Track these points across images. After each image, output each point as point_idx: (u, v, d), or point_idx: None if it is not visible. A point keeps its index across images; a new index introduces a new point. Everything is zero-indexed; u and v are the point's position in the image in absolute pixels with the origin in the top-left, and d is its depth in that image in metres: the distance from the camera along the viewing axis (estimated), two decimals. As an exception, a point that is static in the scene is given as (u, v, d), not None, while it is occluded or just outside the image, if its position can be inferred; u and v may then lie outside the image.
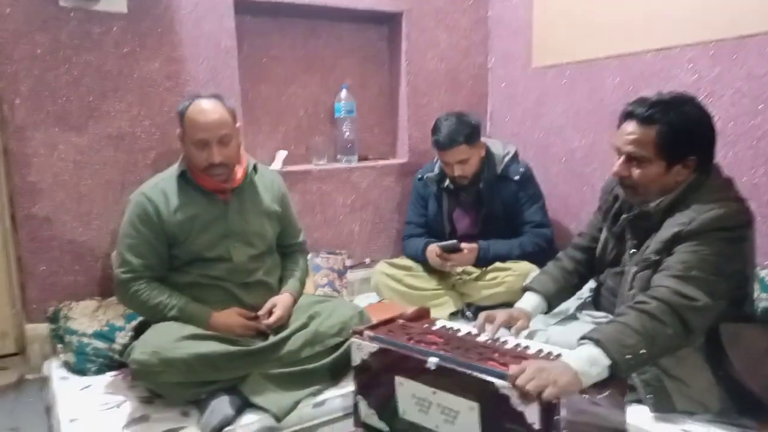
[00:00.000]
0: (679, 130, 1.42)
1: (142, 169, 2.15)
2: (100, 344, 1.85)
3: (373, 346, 1.47)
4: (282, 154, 2.58)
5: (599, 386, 1.25)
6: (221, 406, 1.51)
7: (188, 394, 1.57)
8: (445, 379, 1.33)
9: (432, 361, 1.34)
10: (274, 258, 1.94)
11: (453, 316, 2.24)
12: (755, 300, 1.63)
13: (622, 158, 1.50)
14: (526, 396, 1.16)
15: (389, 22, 2.82)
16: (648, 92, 2.14)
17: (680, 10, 2.12)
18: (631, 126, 1.48)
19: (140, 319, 1.80)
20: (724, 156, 2.02)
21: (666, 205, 1.46)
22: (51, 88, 2.01)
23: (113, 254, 2.13)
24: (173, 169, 1.80)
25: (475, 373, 1.27)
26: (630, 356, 1.22)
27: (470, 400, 1.29)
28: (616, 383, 1.31)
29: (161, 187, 1.76)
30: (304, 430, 1.62)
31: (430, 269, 2.37)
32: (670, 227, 1.42)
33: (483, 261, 2.27)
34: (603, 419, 1.35)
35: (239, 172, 1.81)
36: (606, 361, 1.21)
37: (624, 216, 1.57)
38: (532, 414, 1.17)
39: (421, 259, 2.37)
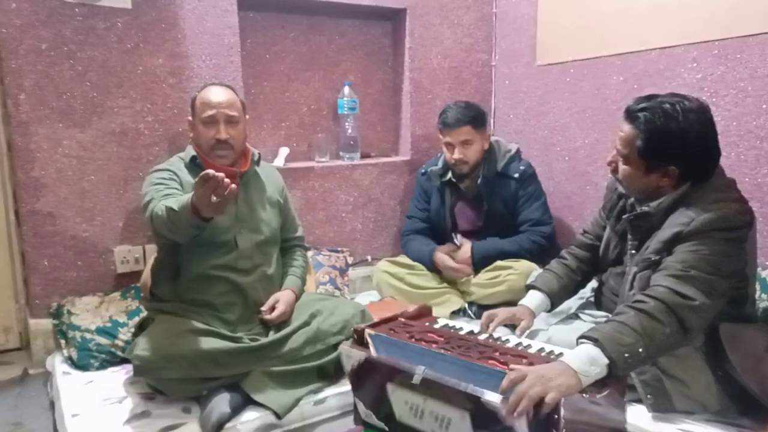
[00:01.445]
0: (656, 139, 1.42)
1: (145, 164, 2.15)
2: (102, 340, 1.86)
3: (361, 356, 1.46)
4: (284, 151, 2.58)
5: (599, 385, 1.25)
6: (221, 403, 1.51)
7: (189, 390, 1.58)
8: (435, 388, 1.32)
9: (417, 377, 1.33)
10: (278, 251, 1.95)
11: (455, 314, 2.24)
12: (756, 300, 1.63)
13: (614, 151, 1.54)
14: (514, 412, 1.14)
15: (393, 18, 2.82)
16: (654, 90, 2.15)
17: (684, 9, 2.11)
18: (623, 123, 1.50)
19: (143, 315, 1.81)
20: (727, 156, 2.01)
21: (667, 205, 1.46)
22: (55, 83, 2.02)
23: (116, 250, 2.15)
24: (182, 155, 1.84)
25: (461, 386, 1.25)
26: (628, 355, 1.22)
27: (461, 408, 1.28)
28: (616, 382, 1.31)
29: (174, 166, 1.80)
30: (305, 428, 1.63)
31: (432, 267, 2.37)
32: (670, 227, 1.42)
33: (477, 265, 2.28)
34: (602, 418, 1.34)
35: (246, 161, 1.85)
36: (604, 360, 1.21)
37: (625, 216, 1.57)
38: (522, 427, 1.16)
39: (427, 264, 2.36)
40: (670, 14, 2.16)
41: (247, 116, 1.89)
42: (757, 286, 1.81)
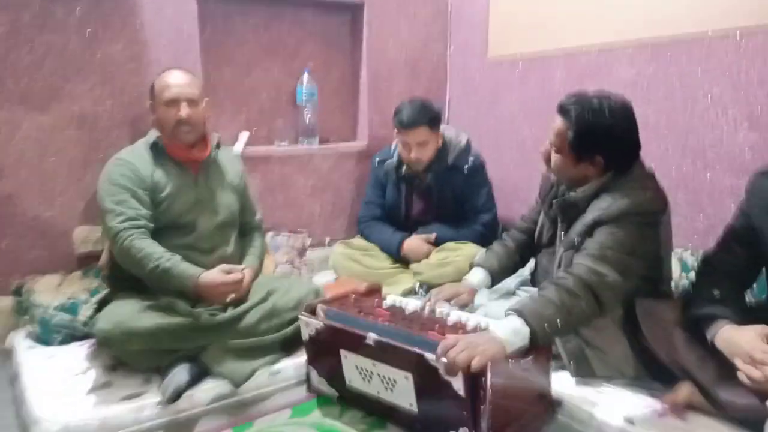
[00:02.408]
0: (584, 132, 1.57)
1: (104, 148, 2.19)
2: (64, 316, 1.91)
3: (319, 323, 1.59)
4: (244, 135, 2.64)
5: (524, 353, 1.41)
6: (180, 373, 1.60)
7: (151, 361, 1.66)
8: (384, 352, 1.45)
9: (371, 337, 1.46)
10: (236, 233, 2.03)
11: (407, 293, 2.37)
12: (673, 279, 1.81)
13: (548, 142, 1.68)
14: (452, 369, 1.29)
15: (352, 9, 2.90)
16: (591, 87, 2.31)
17: (622, 9, 2.26)
18: (557, 117, 1.64)
19: (104, 292, 1.87)
20: (657, 147, 2.20)
21: (591, 192, 1.61)
22: (14, 68, 2.04)
23: (75, 231, 2.20)
24: (144, 141, 1.90)
25: (408, 347, 1.39)
26: (547, 326, 1.37)
27: (405, 370, 1.42)
28: (540, 350, 1.47)
29: (136, 153, 1.86)
30: (261, 396, 1.72)
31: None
32: (592, 212, 1.57)
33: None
34: (529, 383, 1.50)
35: (206, 146, 1.92)
36: (527, 330, 1.36)
37: (555, 201, 1.72)
38: (458, 383, 1.31)
39: (393, 251, 2.45)
40: (610, 14, 2.31)
41: (206, 99, 1.95)
42: (677, 267, 2.01)
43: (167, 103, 1.83)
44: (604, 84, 2.32)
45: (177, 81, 1.85)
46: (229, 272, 1.80)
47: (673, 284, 1.89)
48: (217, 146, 1.98)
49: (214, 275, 1.77)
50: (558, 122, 1.63)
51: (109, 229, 1.74)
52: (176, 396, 1.57)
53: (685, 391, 1.45)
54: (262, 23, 2.72)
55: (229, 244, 1.95)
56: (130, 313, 1.62)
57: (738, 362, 1.29)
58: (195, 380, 1.64)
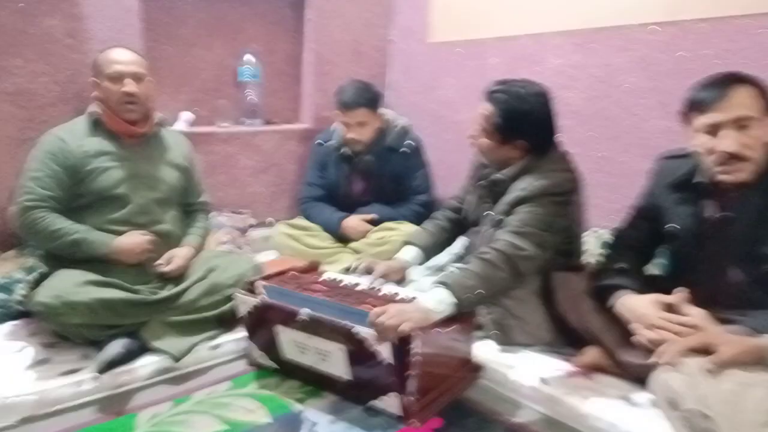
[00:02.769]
0: (509, 116, 1.69)
1: (39, 125, 2.16)
2: (0, 295, 1.91)
3: (254, 301, 1.65)
4: (185, 115, 2.65)
5: (448, 321, 1.52)
6: (115, 345, 1.65)
7: (91, 335, 1.68)
8: (317, 326, 1.53)
9: (304, 312, 1.54)
10: (176, 214, 2.04)
11: (346, 270, 2.45)
12: (585, 252, 1.97)
13: (476, 126, 1.79)
14: (382, 335, 1.39)
15: (295, -10, 2.93)
16: (523, 73, 2.43)
17: (551, 1, 2.38)
18: (485, 103, 1.75)
19: (40, 270, 1.87)
20: (580, 132, 2.35)
21: (514, 174, 1.74)
22: (-58, 40, 1.99)
23: (10, 209, 2.16)
24: (83, 117, 1.90)
25: (338, 321, 1.48)
26: (470, 295, 1.50)
27: (338, 342, 1.51)
28: (464, 320, 1.59)
29: (71, 127, 1.87)
30: (202, 370, 1.77)
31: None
32: (513, 192, 1.70)
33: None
34: (453, 350, 1.63)
35: (149, 122, 1.94)
36: (452, 300, 1.48)
37: (481, 182, 1.84)
38: (385, 351, 1.41)
39: (333, 230, 2.52)
40: (541, 4, 2.43)
41: (150, 79, 1.95)
42: (596, 243, 2.17)
43: (112, 78, 1.83)
44: (534, 70, 2.46)
45: (122, 57, 1.86)
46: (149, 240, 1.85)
47: (593, 259, 2.06)
48: (160, 124, 2.00)
49: (127, 236, 1.82)
50: (486, 108, 1.74)
51: (17, 203, 1.78)
52: (110, 366, 1.60)
53: (592, 353, 1.62)
54: (204, 1, 2.71)
55: (168, 221, 1.97)
56: (70, 286, 1.64)
57: (636, 327, 1.44)
58: (132, 355, 1.68)
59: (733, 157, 1.36)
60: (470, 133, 1.82)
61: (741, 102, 1.35)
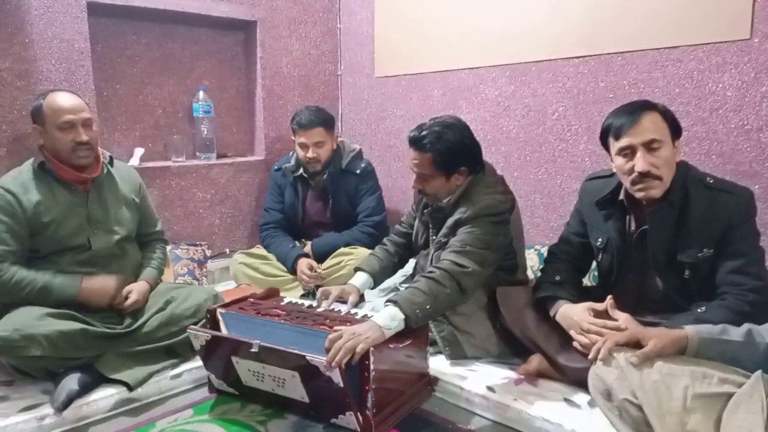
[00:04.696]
0: (445, 153, 1.83)
1: (-9, 165, 2.18)
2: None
3: (207, 336, 1.68)
4: (139, 151, 2.70)
5: (402, 338, 1.62)
6: (70, 381, 1.65)
7: (51, 366, 1.69)
8: (270, 356, 1.58)
9: (256, 344, 1.57)
10: (134, 247, 2.07)
11: (304, 296, 2.52)
12: (529, 268, 2.12)
13: (415, 176, 1.90)
14: (337, 360, 1.45)
15: (245, 28, 3.03)
16: (463, 103, 2.60)
17: (485, 35, 2.58)
18: (413, 152, 1.88)
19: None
20: (518, 157, 2.53)
21: (454, 200, 1.88)
22: None
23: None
24: (29, 163, 1.89)
25: (290, 350, 1.53)
26: (419, 311, 1.61)
27: (292, 369, 1.56)
28: (417, 335, 1.70)
29: (20, 179, 1.84)
30: (163, 400, 1.80)
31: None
32: (454, 216, 1.84)
33: (317, 257, 2.58)
34: (408, 366, 1.72)
35: (97, 164, 1.94)
36: (401, 316, 1.58)
37: (426, 210, 1.98)
38: (337, 376, 1.47)
39: (288, 267, 2.56)
40: (475, 40, 2.62)
41: (95, 121, 1.98)
42: (537, 259, 2.33)
43: (62, 127, 1.82)
44: (473, 101, 2.64)
45: (70, 104, 1.84)
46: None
47: (532, 274, 2.21)
48: (110, 163, 2.01)
49: (96, 279, 1.84)
50: (418, 156, 1.86)
51: None
52: (67, 404, 1.61)
53: (535, 361, 1.74)
54: (155, 41, 2.79)
55: (127, 258, 2.00)
56: (29, 320, 1.65)
57: (572, 333, 1.58)
58: (87, 388, 1.69)
59: (645, 176, 1.53)
60: (413, 185, 1.93)
61: (650, 127, 1.53)
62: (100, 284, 1.84)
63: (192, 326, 1.74)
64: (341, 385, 1.47)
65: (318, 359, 1.48)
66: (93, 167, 1.93)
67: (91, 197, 1.92)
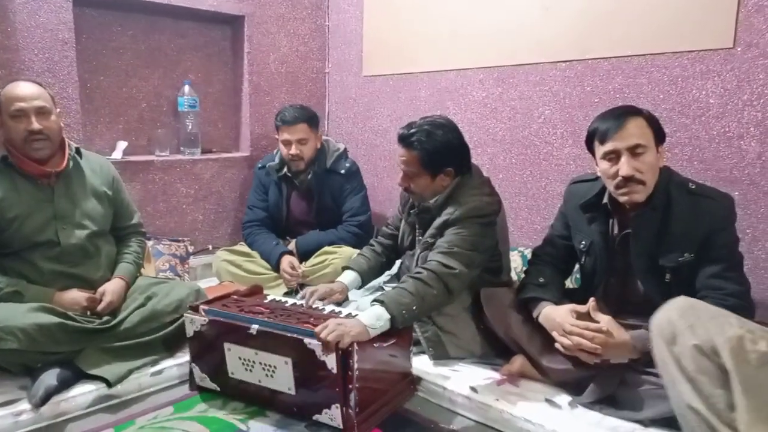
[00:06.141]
0: (433, 153, 1.84)
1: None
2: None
3: (204, 319, 1.70)
4: (122, 145, 2.66)
5: (386, 337, 1.62)
6: (48, 376, 1.62)
7: (29, 360, 1.66)
8: (265, 341, 1.60)
9: (254, 327, 1.61)
10: (109, 242, 2.02)
11: (288, 294, 2.50)
12: (513, 269, 2.13)
13: (401, 173, 1.91)
14: (326, 347, 1.48)
15: (232, 23, 3.01)
16: (451, 104, 2.60)
17: (474, 38, 2.59)
18: (401, 149, 1.89)
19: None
20: (503, 159, 2.54)
21: (441, 202, 1.89)
22: None
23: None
24: None
25: (289, 334, 1.56)
26: (405, 312, 1.61)
27: (285, 356, 1.58)
28: (402, 336, 1.70)
29: None
30: (143, 397, 1.78)
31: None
32: (441, 217, 1.85)
33: (301, 256, 2.57)
34: (392, 365, 1.72)
35: (63, 157, 1.87)
36: (387, 316, 1.58)
37: (412, 211, 1.98)
38: (332, 361, 1.50)
39: (272, 265, 2.54)
40: (464, 42, 2.63)
41: (58, 110, 1.89)
42: (521, 261, 2.35)
43: (14, 116, 1.75)
44: (460, 102, 2.65)
45: (24, 92, 1.77)
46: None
47: (516, 275, 2.23)
48: (78, 154, 1.95)
49: (67, 294, 1.81)
50: (405, 153, 1.87)
51: None
52: (45, 399, 1.58)
53: (518, 362, 1.76)
54: (141, 33, 2.75)
55: (101, 252, 1.95)
56: (7, 313, 1.62)
57: (555, 335, 1.59)
58: (66, 384, 1.66)
59: (629, 181, 1.55)
60: (399, 182, 1.94)
61: (635, 132, 1.55)
62: (70, 299, 1.81)
63: (189, 310, 1.73)
64: (334, 371, 1.49)
65: (315, 343, 1.50)
66: (57, 160, 1.86)
67: (57, 191, 1.86)
